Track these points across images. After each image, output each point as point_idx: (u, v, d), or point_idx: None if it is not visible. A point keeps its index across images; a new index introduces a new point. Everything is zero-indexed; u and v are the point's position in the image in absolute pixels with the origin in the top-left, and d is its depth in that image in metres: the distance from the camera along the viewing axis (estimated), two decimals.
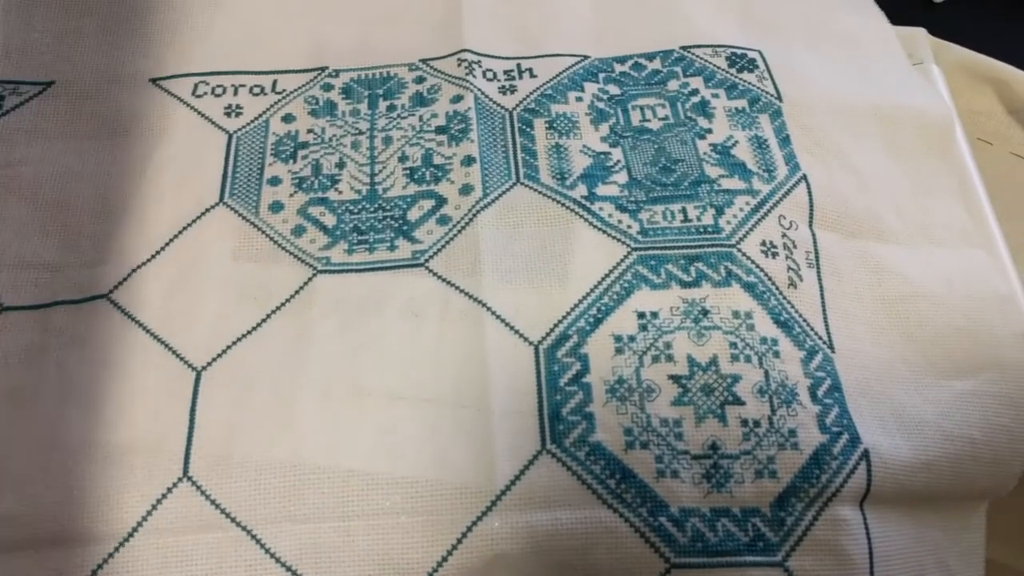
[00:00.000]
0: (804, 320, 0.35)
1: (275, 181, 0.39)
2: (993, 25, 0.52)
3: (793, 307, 0.35)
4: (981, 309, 0.38)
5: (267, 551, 0.31)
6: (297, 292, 0.35)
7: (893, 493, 0.33)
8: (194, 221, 0.37)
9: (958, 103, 0.46)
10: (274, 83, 0.42)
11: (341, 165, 0.39)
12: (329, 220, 0.37)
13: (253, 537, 0.31)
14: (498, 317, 0.34)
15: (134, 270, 0.36)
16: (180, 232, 0.37)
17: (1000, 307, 0.38)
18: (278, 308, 0.35)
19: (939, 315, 0.37)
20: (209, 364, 0.34)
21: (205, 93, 0.42)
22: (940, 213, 0.41)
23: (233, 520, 0.31)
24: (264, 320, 0.35)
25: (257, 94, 0.42)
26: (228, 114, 0.41)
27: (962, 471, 0.35)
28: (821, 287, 0.37)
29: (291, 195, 0.38)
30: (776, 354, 0.34)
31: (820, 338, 0.35)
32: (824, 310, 0.36)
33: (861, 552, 0.32)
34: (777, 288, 0.35)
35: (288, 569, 0.30)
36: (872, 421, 0.34)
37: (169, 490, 0.31)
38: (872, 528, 0.32)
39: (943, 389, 0.36)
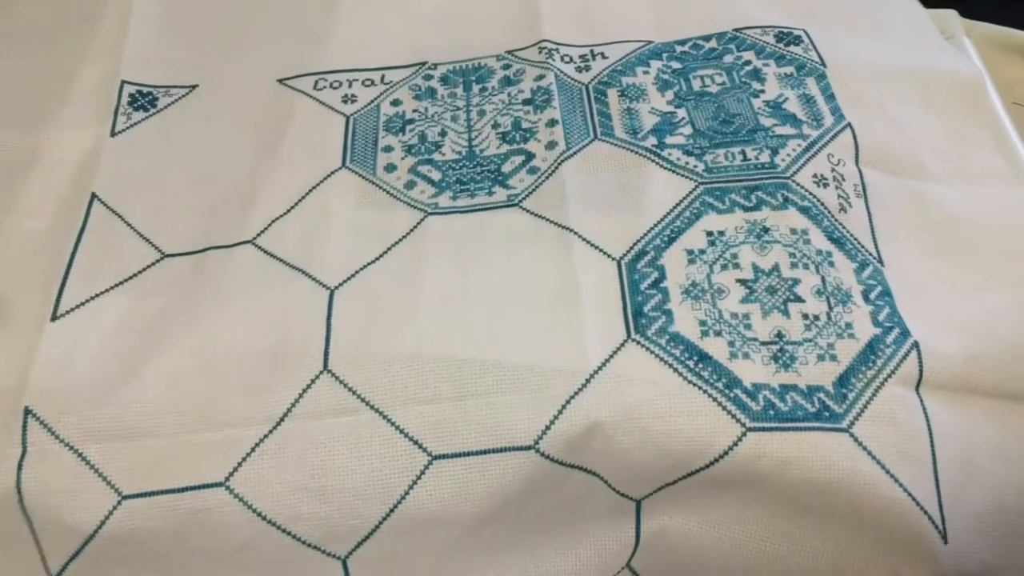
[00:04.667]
0: (855, 238, 0.40)
1: (388, 149, 0.45)
2: (1020, 13, 0.57)
3: (844, 228, 0.40)
4: (1014, 234, 0.42)
5: (397, 428, 0.36)
6: (412, 230, 0.41)
7: (943, 382, 0.37)
8: (321, 182, 0.44)
9: (990, 72, 0.51)
10: (382, 76, 0.49)
11: (443, 134, 0.45)
12: (435, 176, 0.44)
13: (384, 417, 0.36)
14: (583, 239, 0.40)
15: (272, 221, 0.43)
16: (310, 191, 0.44)
17: None
18: (397, 242, 0.41)
19: (976, 238, 0.42)
20: (340, 285, 0.40)
21: (324, 87, 0.49)
22: (974, 158, 0.45)
23: (367, 403, 0.36)
24: (385, 252, 0.41)
25: (368, 85, 0.49)
26: (345, 101, 0.48)
27: (1005, 368, 0.38)
28: (869, 213, 0.41)
29: (402, 158, 0.45)
30: (831, 264, 0.38)
31: (870, 254, 0.40)
32: (873, 231, 0.41)
33: (919, 425, 0.35)
34: (829, 212, 0.40)
35: (414, 442, 0.36)
36: (920, 321, 0.38)
37: (312, 382, 0.37)
38: (929, 409, 0.36)
39: (982, 299, 0.40)
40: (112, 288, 0.41)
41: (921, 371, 0.36)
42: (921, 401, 0.36)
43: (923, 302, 0.39)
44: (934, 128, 0.46)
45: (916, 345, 0.37)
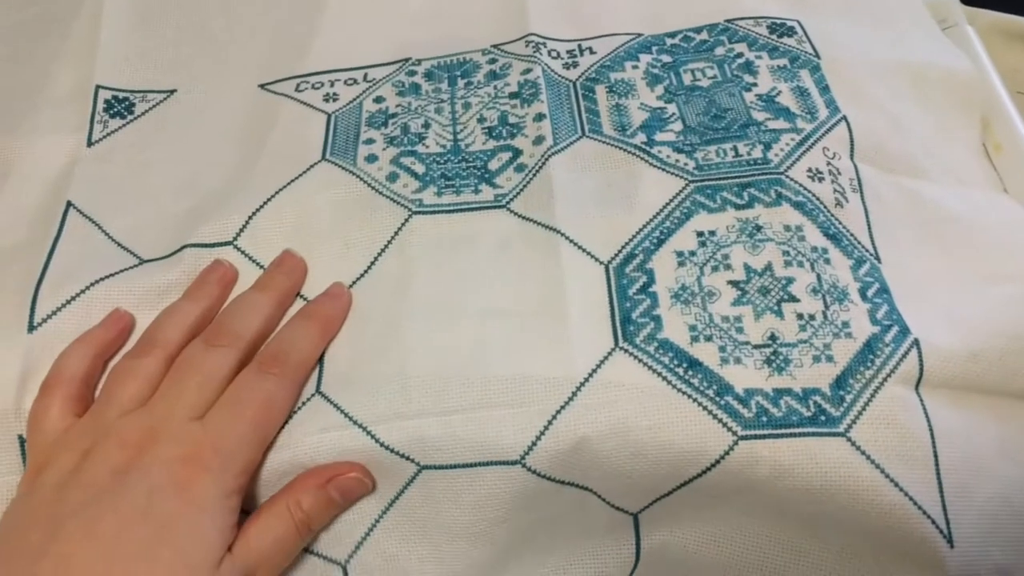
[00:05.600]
0: (851, 234, 0.39)
1: (369, 141, 0.44)
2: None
3: (840, 223, 0.39)
4: (1011, 226, 0.40)
5: (380, 443, 0.35)
6: (397, 233, 0.40)
7: (945, 380, 0.35)
8: (300, 175, 0.43)
9: (994, 61, 0.49)
10: (365, 75, 0.48)
11: (427, 126, 0.44)
12: (419, 168, 0.42)
13: (368, 433, 0.35)
14: (571, 242, 0.38)
15: (251, 216, 0.41)
16: (288, 184, 0.42)
17: None
18: (383, 251, 0.40)
19: (973, 235, 0.40)
20: None
21: (306, 88, 0.48)
22: (960, 161, 0.44)
23: (353, 421, 0.35)
24: (372, 264, 0.40)
25: (351, 84, 0.48)
26: (326, 100, 0.47)
27: (1008, 365, 0.36)
28: (865, 208, 0.40)
29: (384, 149, 0.43)
30: (827, 261, 0.37)
31: (867, 250, 0.38)
32: (869, 227, 0.39)
33: (921, 427, 0.34)
34: (825, 207, 0.39)
35: (401, 455, 0.34)
36: (920, 318, 0.36)
37: (304, 403, 0.36)
38: (930, 409, 0.35)
39: (984, 293, 0.38)
40: (89, 287, 0.39)
41: (922, 370, 0.35)
42: (921, 401, 0.35)
43: (922, 298, 0.38)
44: (927, 124, 0.45)
45: (916, 343, 0.35)
